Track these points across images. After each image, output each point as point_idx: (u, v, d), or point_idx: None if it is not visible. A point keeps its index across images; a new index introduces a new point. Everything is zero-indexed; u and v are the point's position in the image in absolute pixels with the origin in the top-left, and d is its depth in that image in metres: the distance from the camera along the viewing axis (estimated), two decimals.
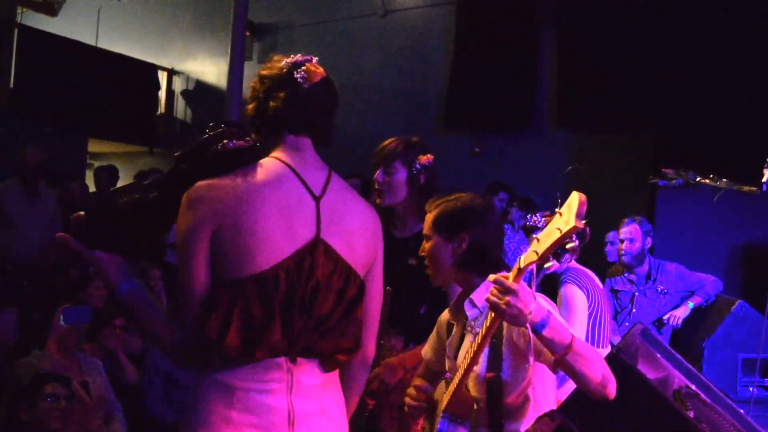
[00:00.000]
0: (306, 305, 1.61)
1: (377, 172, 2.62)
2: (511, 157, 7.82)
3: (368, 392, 2.46)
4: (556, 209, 1.55)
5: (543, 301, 1.87)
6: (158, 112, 10.61)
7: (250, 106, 1.75)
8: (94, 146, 9.90)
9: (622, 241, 4.58)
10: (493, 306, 1.72)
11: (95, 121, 8.99)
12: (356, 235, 1.71)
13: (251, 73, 6.60)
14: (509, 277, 1.71)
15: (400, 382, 2.49)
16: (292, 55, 1.74)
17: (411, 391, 2.25)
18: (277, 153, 1.71)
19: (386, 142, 2.66)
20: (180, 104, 10.95)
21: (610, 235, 5.14)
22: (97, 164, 9.52)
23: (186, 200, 1.60)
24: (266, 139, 1.73)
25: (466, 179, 7.23)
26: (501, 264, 2.06)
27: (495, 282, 1.72)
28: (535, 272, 1.72)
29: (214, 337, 1.55)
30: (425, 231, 2.12)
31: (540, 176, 7.13)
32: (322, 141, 1.76)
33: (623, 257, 4.58)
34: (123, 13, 11.45)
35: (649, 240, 4.60)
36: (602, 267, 4.78)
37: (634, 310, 4.58)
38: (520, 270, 1.69)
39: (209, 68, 10.57)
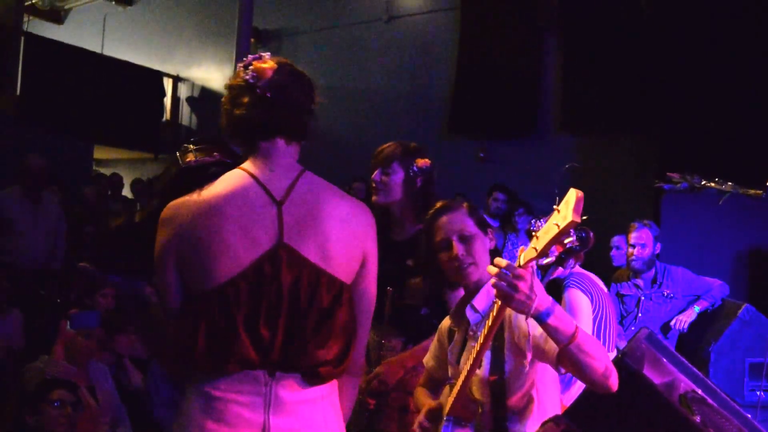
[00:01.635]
0: (272, 315, 1.57)
1: (375, 172, 2.69)
2: (515, 161, 7.81)
3: (369, 391, 2.49)
4: (554, 206, 1.55)
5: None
6: (163, 119, 10.67)
7: (222, 119, 1.71)
8: (99, 153, 9.95)
9: (633, 246, 4.49)
10: (500, 291, 1.68)
11: (101, 127, 9.04)
12: (334, 238, 1.63)
13: None
14: None
15: (400, 381, 2.50)
16: (244, 58, 1.68)
17: None
18: (246, 162, 1.68)
19: (385, 146, 2.73)
20: (185, 111, 11.00)
21: (616, 240, 5.10)
22: (102, 171, 9.58)
23: (159, 221, 1.64)
24: (244, 149, 1.70)
25: (470, 184, 7.23)
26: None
27: (502, 266, 1.68)
28: (535, 269, 1.72)
29: (185, 350, 1.58)
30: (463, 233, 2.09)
31: (545, 181, 7.10)
32: (297, 137, 1.69)
33: (633, 263, 4.51)
34: (128, 20, 11.53)
35: (658, 245, 4.55)
36: (608, 272, 4.75)
37: (639, 315, 4.54)
38: (520, 267, 1.69)
39: (214, 75, 10.61)
